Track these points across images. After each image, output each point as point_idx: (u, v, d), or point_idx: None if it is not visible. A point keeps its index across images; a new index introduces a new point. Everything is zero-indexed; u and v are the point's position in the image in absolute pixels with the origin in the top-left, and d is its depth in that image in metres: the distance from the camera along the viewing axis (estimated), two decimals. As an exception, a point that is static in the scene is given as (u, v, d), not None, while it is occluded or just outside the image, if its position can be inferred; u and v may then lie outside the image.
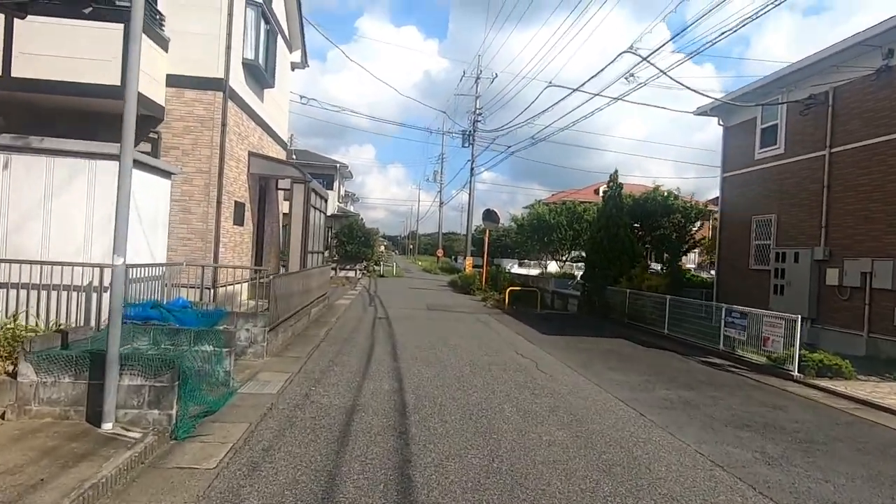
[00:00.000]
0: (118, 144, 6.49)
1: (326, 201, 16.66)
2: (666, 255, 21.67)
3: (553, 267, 30.92)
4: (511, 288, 19.32)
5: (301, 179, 13.28)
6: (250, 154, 13.28)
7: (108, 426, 4.83)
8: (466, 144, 35.22)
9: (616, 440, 5.55)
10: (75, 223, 7.17)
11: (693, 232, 21.34)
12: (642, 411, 6.72)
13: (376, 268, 41.60)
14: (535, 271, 32.99)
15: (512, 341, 11.99)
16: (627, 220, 18.67)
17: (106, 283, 6.78)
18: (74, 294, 7.04)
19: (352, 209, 50.56)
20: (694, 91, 13.31)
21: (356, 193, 62.12)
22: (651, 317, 14.81)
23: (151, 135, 10.92)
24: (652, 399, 7.43)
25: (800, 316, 9.85)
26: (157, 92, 10.66)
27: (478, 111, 34.23)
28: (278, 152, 15.95)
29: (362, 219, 41.73)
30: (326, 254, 41.31)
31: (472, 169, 34.54)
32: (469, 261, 34.49)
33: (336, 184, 41.44)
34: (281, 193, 16.41)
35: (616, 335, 13.86)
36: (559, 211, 25.60)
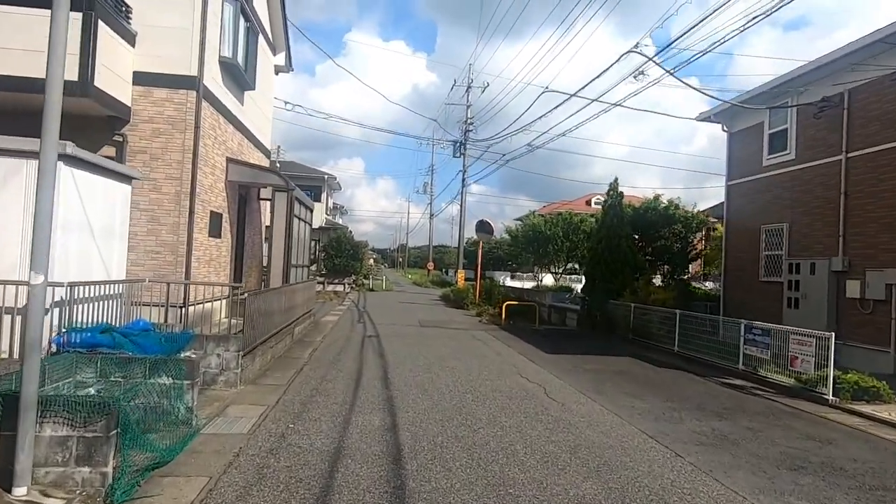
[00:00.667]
0: (65, 142, 5.52)
1: (312, 212, 15.67)
2: (666, 266, 20.88)
3: (548, 280, 30.08)
4: (508, 302, 18.37)
5: (283, 187, 12.30)
6: (228, 160, 12.28)
7: (21, 491, 3.79)
8: (458, 154, 34.47)
9: (657, 493, 4.57)
10: (10, 233, 6.12)
11: (694, 243, 20.57)
12: (676, 449, 5.76)
13: (365, 282, 40.51)
14: (529, 284, 32.06)
15: (514, 362, 11.00)
16: (629, 230, 17.84)
17: (48, 303, 5.74)
18: (8, 318, 5.98)
19: (340, 222, 49.49)
20: (701, 92, 12.58)
21: (345, 206, 61.08)
22: (658, 333, 13.91)
23: (116, 137, 9.89)
24: (682, 433, 6.47)
25: (833, 333, 8.98)
26: (121, 90, 9.66)
27: (469, 121, 33.50)
28: (260, 160, 14.97)
29: (351, 231, 40.72)
30: (314, 267, 40.18)
31: (463, 179, 33.76)
32: (461, 274, 33.57)
33: (324, 195, 40.40)
34: (264, 204, 15.41)
35: (623, 353, 12.93)
36: (555, 222, 24.75)
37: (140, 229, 9.91)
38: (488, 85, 33.20)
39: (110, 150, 9.88)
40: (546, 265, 27.12)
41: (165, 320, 8.49)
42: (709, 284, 24.16)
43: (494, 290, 24.36)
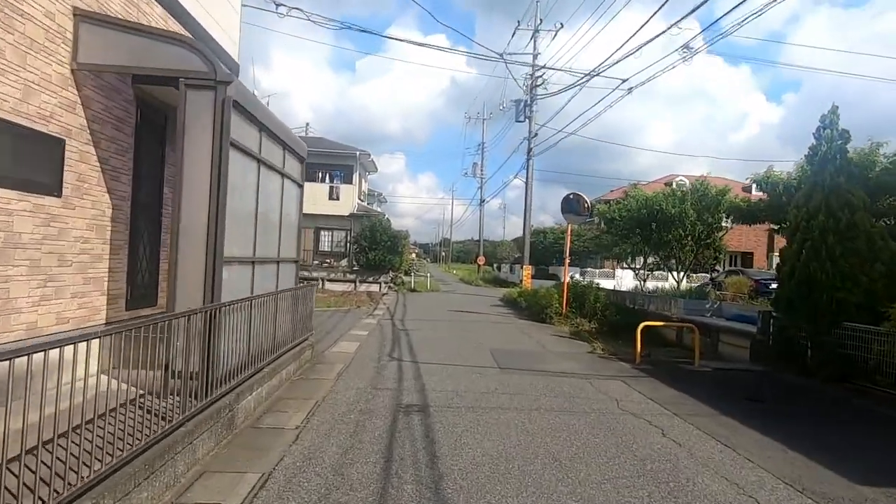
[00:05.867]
0: None
1: (302, 163, 8.52)
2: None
3: (665, 280, 22.40)
4: (647, 324, 10.86)
5: (204, 78, 5.20)
6: (80, 17, 5.29)
7: None
8: (521, 118, 26.99)
9: None
10: None
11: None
12: None
13: (406, 279, 33.63)
14: (625, 284, 24.46)
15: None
16: (864, 195, 10.08)
17: None
18: None
19: (378, 210, 42.75)
20: None
21: (382, 193, 54.31)
22: None
23: None
24: None
25: None
26: None
27: (538, 73, 25.95)
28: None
29: (388, 219, 33.81)
30: (344, 263, 33.61)
31: (529, 149, 26.28)
32: (527, 271, 26.23)
33: (355, 177, 33.67)
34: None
35: None
36: (681, 196, 16.89)
37: None
38: (562, 27, 25.46)
39: None
40: (663, 258, 19.29)
41: None
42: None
43: (588, 294, 16.86)
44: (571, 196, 17.57)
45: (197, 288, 5.38)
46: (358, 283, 30.14)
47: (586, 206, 16.78)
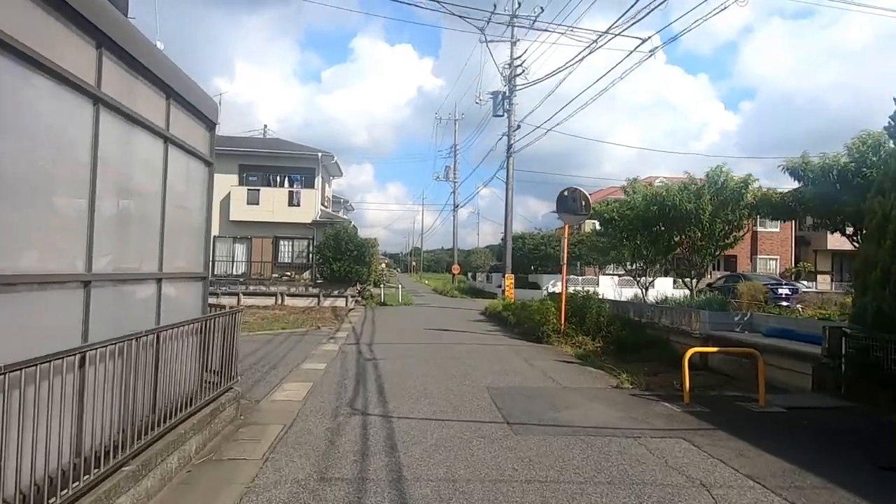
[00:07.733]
0: None
1: (210, 129, 5.62)
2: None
3: (653, 287, 20.11)
4: (696, 350, 8.26)
5: None
6: None
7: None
8: (500, 112, 24.53)
9: None
10: None
11: None
12: None
13: (375, 291, 30.70)
14: (609, 292, 22.04)
15: None
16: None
17: None
18: None
19: (343, 217, 39.65)
20: None
21: (349, 201, 51.06)
22: None
23: None
24: None
25: None
26: None
27: (517, 62, 23.53)
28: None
29: (354, 226, 30.88)
30: (307, 275, 30.47)
31: (509, 145, 23.82)
32: (510, 280, 23.72)
33: (318, 181, 30.64)
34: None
35: None
36: (695, 191, 14.36)
37: None
38: (542, 10, 23.05)
39: None
40: (671, 261, 16.89)
41: None
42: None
43: (589, 307, 14.36)
44: (567, 193, 15.05)
45: None
46: (322, 298, 27.19)
47: (584, 203, 14.26)
